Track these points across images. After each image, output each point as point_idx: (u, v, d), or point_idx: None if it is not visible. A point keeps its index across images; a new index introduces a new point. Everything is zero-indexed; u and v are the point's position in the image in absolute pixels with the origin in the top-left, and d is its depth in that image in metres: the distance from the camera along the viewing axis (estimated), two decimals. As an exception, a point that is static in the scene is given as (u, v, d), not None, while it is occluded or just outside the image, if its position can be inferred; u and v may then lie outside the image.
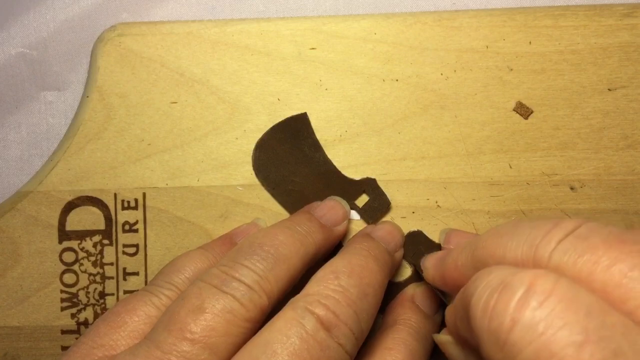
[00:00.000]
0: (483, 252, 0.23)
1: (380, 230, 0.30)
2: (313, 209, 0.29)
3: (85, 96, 0.32)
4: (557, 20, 0.31)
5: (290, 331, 0.22)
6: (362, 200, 0.31)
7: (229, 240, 0.29)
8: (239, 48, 0.32)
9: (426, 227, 0.31)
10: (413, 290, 0.30)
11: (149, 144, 0.32)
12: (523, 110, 0.31)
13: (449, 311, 0.24)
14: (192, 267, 0.27)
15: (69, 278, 0.32)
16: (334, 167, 0.31)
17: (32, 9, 0.34)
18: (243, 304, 0.23)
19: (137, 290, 0.28)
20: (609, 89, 0.31)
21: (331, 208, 0.30)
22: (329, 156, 0.32)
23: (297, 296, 0.24)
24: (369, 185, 0.31)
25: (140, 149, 0.32)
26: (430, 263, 0.28)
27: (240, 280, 0.24)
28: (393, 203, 0.31)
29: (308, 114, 0.32)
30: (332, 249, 0.29)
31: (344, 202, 0.30)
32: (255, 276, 0.24)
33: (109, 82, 0.32)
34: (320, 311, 0.23)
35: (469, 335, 0.21)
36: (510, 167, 0.31)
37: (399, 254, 0.30)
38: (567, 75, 0.31)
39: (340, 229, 0.29)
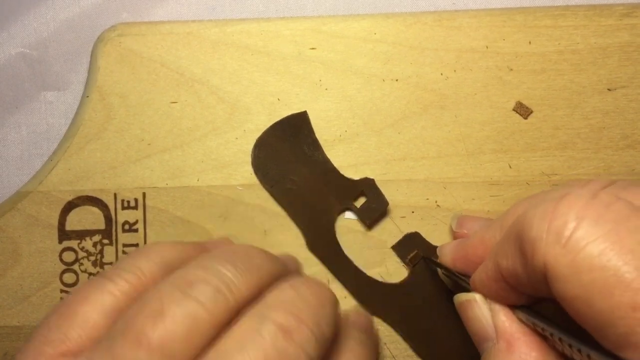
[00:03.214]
0: (514, 215, 0.23)
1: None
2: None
3: (85, 96, 0.32)
4: (557, 20, 0.31)
5: (246, 338, 0.21)
6: (361, 201, 0.31)
7: (202, 246, 0.27)
8: (239, 48, 0.32)
9: (426, 227, 0.31)
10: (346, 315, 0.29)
11: (149, 144, 0.32)
12: (523, 110, 0.31)
13: (478, 273, 0.24)
14: (161, 256, 0.24)
15: (69, 278, 0.32)
16: (333, 166, 0.31)
17: (32, 9, 0.34)
18: (207, 309, 0.21)
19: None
20: (608, 89, 0.31)
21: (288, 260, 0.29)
22: (329, 156, 0.32)
23: (256, 303, 0.23)
24: (368, 186, 0.31)
25: (140, 149, 0.32)
26: (448, 248, 0.28)
27: (207, 283, 0.22)
28: (393, 203, 0.31)
29: (308, 113, 0.32)
30: None
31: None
32: (225, 280, 0.22)
33: (109, 82, 0.32)
34: (277, 316, 0.21)
35: (513, 264, 0.21)
36: (510, 167, 0.31)
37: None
38: (567, 75, 0.31)
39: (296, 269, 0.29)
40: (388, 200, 0.31)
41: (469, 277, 0.26)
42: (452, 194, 0.31)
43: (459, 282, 0.27)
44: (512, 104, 0.31)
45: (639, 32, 0.31)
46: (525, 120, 0.31)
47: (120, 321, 0.22)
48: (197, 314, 0.21)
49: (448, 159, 0.31)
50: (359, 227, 0.31)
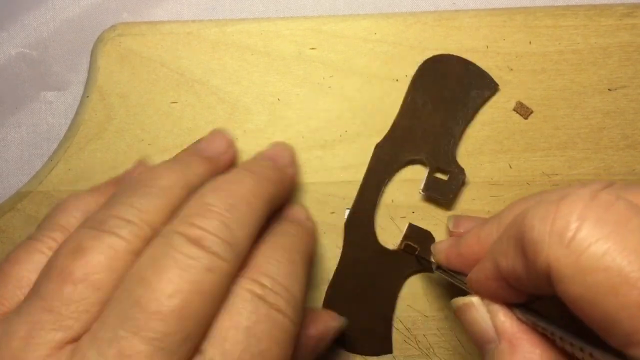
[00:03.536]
0: (512, 215, 0.23)
1: (267, 151, 0.30)
2: (195, 144, 0.30)
3: (85, 96, 0.32)
4: (557, 20, 0.31)
5: (157, 253, 0.22)
6: (442, 176, 0.31)
7: (116, 184, 0.29)
8: (239, 48, 0.32)
9: (426, 227, 0.31)
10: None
11: (149, 144, 0.32)
12: (523, 110, 0.31)
13: (475, 272, 0.24)
14: (81, 208, 0.26)
15: (69, 278, 0.32)
16: (459, 137, 0.31)
17: (32, 9, 0.34)
18: (123, 238, 0.22)
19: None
20: (609, 89, 0.31)
21: (212, 140, 0.30)
22: (329, 156, 0.31)
23: (167, 224, 0.24)
24: (457, 175, 0.31)
25: (140, 149, 0.32)
26: (442, 246, 0.28)
27: (118, 217, 0.23)
28: (392, 202, 0.31)
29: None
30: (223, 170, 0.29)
31: (226, 132, 0.30)
32: (135, 210, 0.23)
33: (109, 82, 0.32)
34: (184, 229, 0.22)
35: (513, 264, 0.21)
36: (510, 167, 0.31)
37: (291, 169, 0.30)
38: (567, 75, 0.31)
39: (224, 157, 0.29)
40: (389, 199, 0.31)
41: (463, 275, 0.26)
42: (452, 194, 0.31)
43: (454, 281, 0.27)
44: (513, 104, 0.31)
45: (639, 32, 0.31)
46: (526, 120, 0.31)
47: (44, 267, 0.23)
48: (114, 243, 0.22)
49: (448, 159, 0.31)
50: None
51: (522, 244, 0.20)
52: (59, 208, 0.26)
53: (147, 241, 0.23)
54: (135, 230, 0.23)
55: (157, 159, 0.32)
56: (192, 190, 0.25)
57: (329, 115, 0.32)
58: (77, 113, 0.32)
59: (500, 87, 0.31)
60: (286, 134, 0.32)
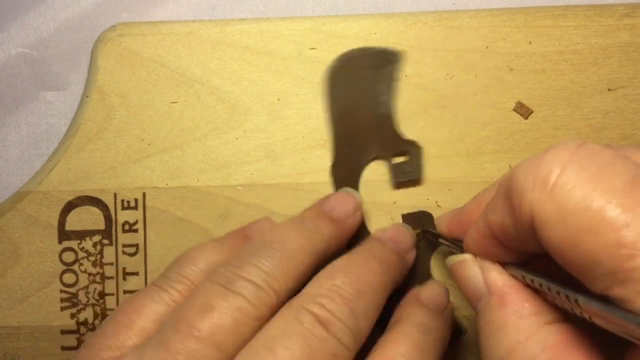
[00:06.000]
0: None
1: (389, 231, 0.29)
2: (323, 202, 0.29)
3: (85, 96, 0.32)
4: (557, 20, 0.31)
5: (288, 327, 0.22)
6: (399, 160, 0.31)
7: (243, 234, 0.29)
8: (239, 48, 0.32)
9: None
10: (418, 290, 0.29)
11: (149, 144, 0.32)
12: (523, 110, 0.31)
13: (469, 232, 0.24)
14: (205, 260, 0.27)
15: (68, 278, 0.32)
16: (392, 115, 0.31)
17: (32, 9, 0.34)
18: (251, 302, 0.23)
19: (142, 288, 0.28)
20: (609, 89, 0.31)
21: (341, 201, 0.29)
22: (329, 156, 0.31)
23: (295, 297, 0.24)
24: (414, 149, 0.31)
25: (140, 149, 0.32)
26: (445, 216, 0.28)
27: (247, 279, 0.24)
28: (393, 202, 0.31)
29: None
30: (345, 242, 0.29)
31: (355, 194, 0.30)
32: (263, 274, 0.24)
33: (109, 82, 0.32)
34: (315, 309, 0.23)
35: (502, 217, 0.21)
36: (510, 167, 0.31)
37: (411, 255, 0.29)
38: (567, 75, 0.31)
39: (351, 221, 0.29)
40: (391, 201, 0.31)
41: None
42: (453, 194, 0.31)
43: (457, 251, 0.27)
44: (513, 104, 0.31)
45: (639, 32, 0.31)
46: (526, 120, 0.31)
47: (169, 318, 0.24)
48: (242, 306, 0.23)
49: (448, 159, 0.31)
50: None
51: (509, 195, 0.21)
52: (184, 259, 0.27)
53: (272, 309, 0.24)
54: (262, 295, 0.24)
55: (157, 158, 0.32)
56: (317, 256, 0.26)
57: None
58: (77, 113, 0.32)
59: (500, 87, 0.31)
60: (286, 134, 0.32)
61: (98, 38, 0.32)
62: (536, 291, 0.22)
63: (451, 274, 0.25)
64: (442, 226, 0.28)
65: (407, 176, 0.31)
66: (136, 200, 0.32)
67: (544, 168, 0.19)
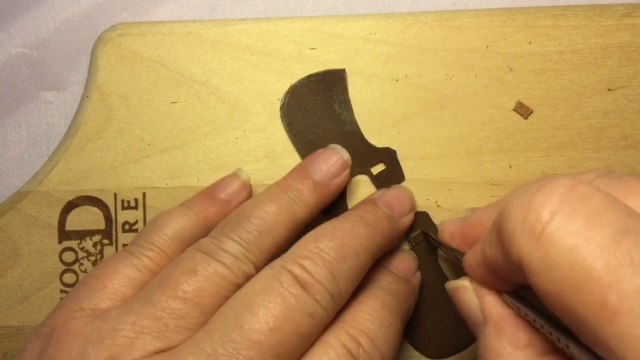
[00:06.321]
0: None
1: (387, 195, 0.29)
2: (308, 164, 0.29)
3: (85, 96, 0.32)
4: (557, 20, 0.31)
5: (267, 285, 0.23)
6: (379, 168, 0.31)
7: (210, 195, 0.29)
8: (239, 48, 0.32)
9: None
10: (389, 258, 0.30)
11: (149, 144, 0.32)
12: (523, 110, 0.31)
13: (468, 256, 0.24)
14: (174, 226, 0.28)
15: (68, 278, 0.32)
16: (359, 129, 0.31)
17: (32, 9, 0.34)
18: (232, 271, 0.24)
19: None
20: (609, 89, 0.31)
21: (328, 160, 0.29)
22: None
23: (278, 257, 0.25)
24: (388, 156, 0.31)
25: (140, 149, 0.32)
26: (448, 224, 0.28)
27: (227, 252, 0.25)
28: (393, 203, 0.31)
29: (346, 72, 0.31)
30: (330, 201, 0.29)
31: (342, 150, 0.29)
32: (241, 248, 0.25)
33: (109, 82, 0.32)
34: (295, 269, 0.24)
35: (495, 253, 0.21)
36: (510, 167, 0.31)
37: (406, 219, 0.29)
38: (567, 75, 0.31)
39: (337, 181, 0.29)
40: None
41: (464, 255, 0.26)
42: (453, 194, 0.31)
43: (455, 259, 0.27)
44: (513, 104, 0.31)
45: (639, 32, 0.31)
46: (526, 120, 0.31)
47: (156, 279, 0.25)
48: (223, 273, 0.24)
49: (448, 159, 0.31)
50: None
51: (500, 233, 0.20)
52: (152, 226, 0.28)
53: (249, 277, 0.25)
54: (242, 266, 0.25)
55: (157, 158, 0.32)
56: (298, 224, 0.27)
57: (329, 115, 0.32)
58: (77, 113, 0.32)
59: (500, 87, 0.31)
60: (286, 133, 0.32)
61: (98, 38, 0.32)
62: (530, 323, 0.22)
63: (451, 297, 0.25)
64: (444, 234, 0.28)
65: (390, 183, 0.31)
66: (136, 200, 0.32)
67: (532, 213, 0.19)
